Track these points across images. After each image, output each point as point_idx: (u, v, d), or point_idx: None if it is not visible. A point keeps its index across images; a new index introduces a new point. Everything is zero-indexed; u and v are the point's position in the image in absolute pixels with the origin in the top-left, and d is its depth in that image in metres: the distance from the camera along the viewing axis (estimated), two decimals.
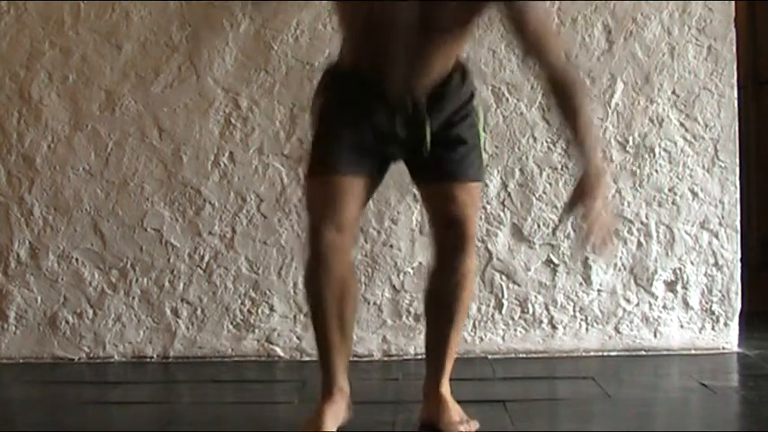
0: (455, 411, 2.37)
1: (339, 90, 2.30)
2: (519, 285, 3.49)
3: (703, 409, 2.73)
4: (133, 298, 3.55)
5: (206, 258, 3.54)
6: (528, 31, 2.18)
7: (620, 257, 3.49)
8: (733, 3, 3.50)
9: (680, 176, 3.48)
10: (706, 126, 3.48)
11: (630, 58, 3.48)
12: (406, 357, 3.37)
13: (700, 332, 3.50)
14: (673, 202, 3.49)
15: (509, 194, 3.48)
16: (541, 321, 3.47)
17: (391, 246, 3.48)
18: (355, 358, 3.06)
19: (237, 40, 3.53)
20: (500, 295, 3.48)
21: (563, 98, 2.19)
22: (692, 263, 3.49)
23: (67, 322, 3.57)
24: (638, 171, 3.48)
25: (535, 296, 3.48)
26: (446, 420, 2.35)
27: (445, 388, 2.40)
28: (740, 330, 3.53)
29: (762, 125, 4.85)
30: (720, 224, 3.48)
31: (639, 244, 3.49)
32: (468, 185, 2.33)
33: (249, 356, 3.49)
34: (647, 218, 3.49)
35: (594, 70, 3.48)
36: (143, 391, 3.12)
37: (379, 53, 2.22)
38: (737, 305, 3.50)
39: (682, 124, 3.48)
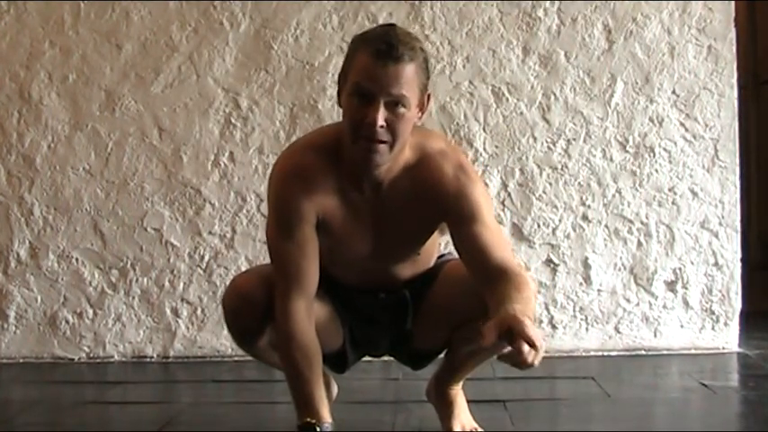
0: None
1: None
2: None
3: (703, 409, 2.73)
4: (133, 298, 3.55)
5: (206, 258, 3.54)
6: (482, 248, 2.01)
7: (620, 257, 3.49)
8: (733, 3, 3.50)
9: (680, 176, 3.48)
10: (706, 126, 3.48)
11: (630, 58, 3.48)
12: None
13: (700, 332, 3.50)
14: (673, 202, 3.49)
15: (509, 194, 3.48)
16: (541, 321, 3.47)
17: None
18: None
19: (237, 40, 3.53)
20: None
21: (509, 283, 1.89)
22: (692, 263, 3.49)
23: (67, 322, 3.57)
24: (638, 171, 3.48)
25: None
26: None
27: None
28: (740, 330, 3.53)
29: (762, 125, 4.85)
30: (720, 224, 3.48)
31: (639, 244, 3.49)
32: (447, 265, 2.26)
33: (249, 356, 3.48)
34: (647, 218, 3.49)
35: (594, 70, 3.48)
36: (143, 391, 3.12)
37: (345, 276, 2.23)
38: (737, 305, 3.50)
39: (682, 124, 3.48)
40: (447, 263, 2.27)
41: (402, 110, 1.93)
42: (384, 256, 2.16)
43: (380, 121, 1.92)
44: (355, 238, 2.11)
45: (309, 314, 2.08)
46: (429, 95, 2.02)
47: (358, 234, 2.10)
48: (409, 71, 1.92)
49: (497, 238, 2.05)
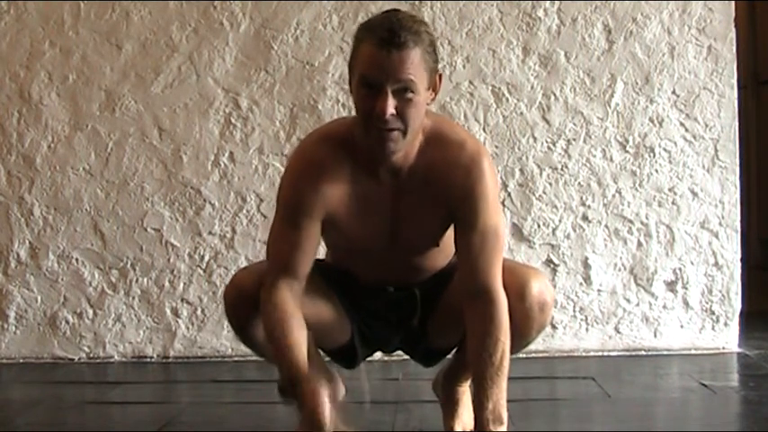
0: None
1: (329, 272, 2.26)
2: None
3: (703, 409, 2.73)
4: (133, 298, 3.55)
5: (206, 258, 3.54)
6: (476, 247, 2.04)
7: (620, 257, 3.49)
8: (733, 3, 3.50)
9: (680, 176, 3.48)
10: (706, 126, 3.48)
11: (630, 58, 3.48)
12: (405, 357, 3.37)
13: (700, 332, 3.50)
14: (673, 202, 3.49)
15: (509, 194, 3.48)
16: None
17: None
18: None
19: (237, 40, 3.53)
20: None
21: (483, 330, 2.03)
22: (692, 263, 3.49)
23: (67, 322, 3.57)
24: (638, 171, 3.49)
25: None
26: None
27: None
28: (740, 330, 3.53)
29: (762, 125, 4.86)
30: (720, 224, 3.48)
31: (639, 244, 3.49)
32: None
33: (249, 356, 3.48)
34: (647, 218, 3.49)
35: (594, 70, 3.48)
36: (143, 391, 3.12)
37: (362, 269, 2.22)
38: (737, 305, 3.50)
39: (682, 124, 3.48)
40: None
41: (411, 95, 1.91)
42: (403, 247, 2.14)
43: (390, 110, 1.90)
44: (372, 227, 2.09)
45: (296, 303, 2.04)
46: (440, 76, 2.00)
47: (375, 223, 2.09)
48: (414, 56, 1.90)
49: (489, 252, 2.04)
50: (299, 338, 2.00)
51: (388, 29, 1.90)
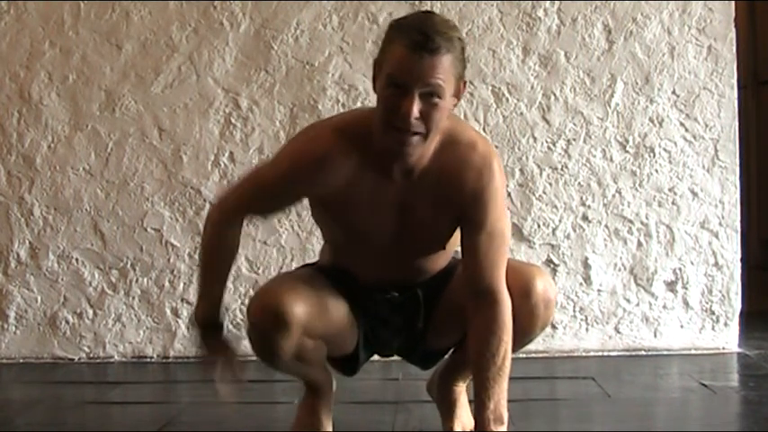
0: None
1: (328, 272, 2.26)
2: None
3: (703, 409, 2.73)
4: (133, 298, 3.55)
5: None
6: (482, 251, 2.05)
7: (620, 257, 3.49)
8: (733, 3, 3.51)
9: (680, 176, 3.48)
10: (706, 126, 3.48)
11: (630, 58, 3.48)
12: None
13: (700, 332, 3.50)
14: (673, 202, 3.49)
15: (509, 194, 3.48)
16: None
17: None
18: None
19: (237, 40, 3.53)
20: None
21: (487, 330, 2.04)
22: (692, 263, 3.49)
23: (67, 322, 3.57)
24: (638, 171, 3.49)
25: None
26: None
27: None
28: (740, 330, 3.53)
29: (762, 125, 4.86)
30: (720, 224, 3.48)
31: (639, 244, 3.49)
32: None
33: (249, 356, 3.48)
34: (647, 218, 3.49)
35: (594, 70, 3.48)
36: (143, 391, 3.12)
37: (362, 268, 2.21)
38: (737, 305, 3.50)
39: (682, 124, 3.49)
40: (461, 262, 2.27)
41: (437, 100, 1.90)
42: (408, 247, 2.14)
43: (415, 113, 1.89)
44: (376, 224, 2.09)
45: (238, 238, 2.18)
46: (465, 82, 1.99)
47: (380, 220, 2.08)
48: (445, 62, 1.89)
49: (495, 253, 2.04)
50: (227, 275, 2.21)
51: (422, 32, 1.88)
